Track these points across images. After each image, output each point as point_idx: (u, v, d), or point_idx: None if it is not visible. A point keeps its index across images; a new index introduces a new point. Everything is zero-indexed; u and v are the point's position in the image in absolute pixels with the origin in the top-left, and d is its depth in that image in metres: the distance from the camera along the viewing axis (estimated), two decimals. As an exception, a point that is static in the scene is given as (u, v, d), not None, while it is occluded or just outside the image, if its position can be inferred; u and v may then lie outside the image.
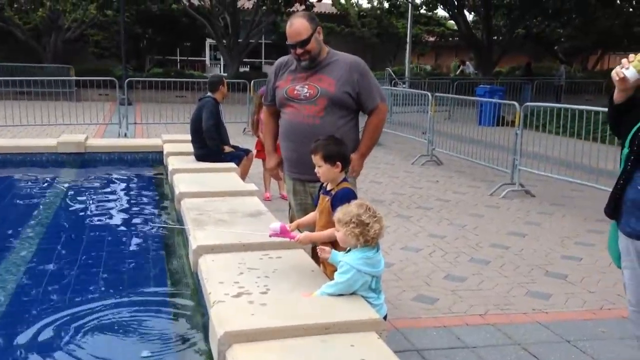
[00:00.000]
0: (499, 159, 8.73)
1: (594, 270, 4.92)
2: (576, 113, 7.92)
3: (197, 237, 3.51)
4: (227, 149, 6.52)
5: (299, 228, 3.22)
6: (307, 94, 3.44)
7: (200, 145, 6.43)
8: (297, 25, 3.43)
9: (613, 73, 2.46)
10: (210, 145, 6.34)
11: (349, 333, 2.42)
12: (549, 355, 3.44)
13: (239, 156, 6.58)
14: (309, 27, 3.42)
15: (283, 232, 3.01)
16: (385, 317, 2.77)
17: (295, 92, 3.47)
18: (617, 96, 2.53)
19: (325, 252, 2.80)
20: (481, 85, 17.40)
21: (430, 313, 3.97)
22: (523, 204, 7.28)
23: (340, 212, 2.69)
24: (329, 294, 2.68)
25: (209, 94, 6.55)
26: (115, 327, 3.16)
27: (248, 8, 22.87)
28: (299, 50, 3.43)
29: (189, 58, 30.17)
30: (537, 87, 20.81)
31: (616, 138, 2.80)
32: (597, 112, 7.58)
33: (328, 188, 3.13)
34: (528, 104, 8.62)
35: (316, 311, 2.52)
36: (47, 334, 3.06)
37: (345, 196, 2.99)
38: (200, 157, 6.42)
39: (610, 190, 2.67)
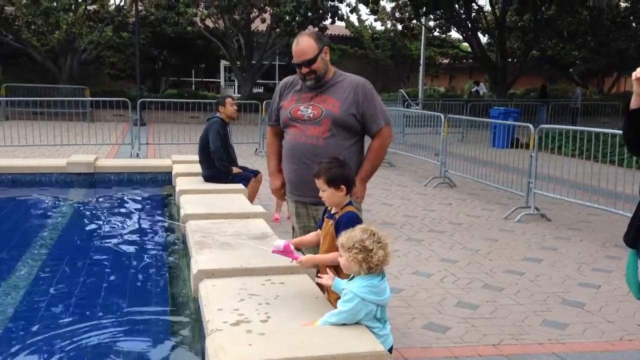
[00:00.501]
0: (514, 181, 8.56)
1: (613, 299, 4.73)
2: (592, 135, 7.75)
3: (198, 261, 3.40)
4: (235, 170, 6.45)
5: (300, 248, 3.10)
6: (311, 115, 3.35)
7: (208, 166, 6.37)
8: (304, 44, 3.35)
9: (633, 74, 2.31)
10: (219, 166, 6.28)
11: (351, 366, 2.28)
12: (566, 389, 3.27)
13: (247, 177, 6.50)
14: (316, 46, 3.34)
15: (286, 251, 2.90)
16: (391, 349, 2.63)
17: (300, 112, 3.38)
18: (635, 101, 2.38)
19: (327, 279, 2.68)
20: (495, 107, 17.26)
21: (441, 342, 3.80)
22: (538, 228, 7.10)
23: (344, 237, 2.57)
24: (331, 323, 2.54)
25: (216, 114, 6.51)
26: (113, 352, 3.05)
27: (262, 30, 23.03)
28: (305, 70, 3.35)
29: (204, 79, 30.42)
30: (552, 110, 20.64)
31: (635, 160, 2.66)
32: (613, 135, 7.41)
33: (332, 212, 3.02)
34: (543, 126, 8.47)
35: (317, 342, 2.39)
36: (43, 354, 2.96)
37: (350, 220, 2.87)
38: (208, 178, 6.35)
39: (629, 215, 2.52)
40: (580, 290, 4.93)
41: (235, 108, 6.63)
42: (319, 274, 3.02)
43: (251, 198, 6.23)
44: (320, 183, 2.96)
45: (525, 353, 3.68)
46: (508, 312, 4.37)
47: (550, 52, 27.24)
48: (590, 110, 22.80)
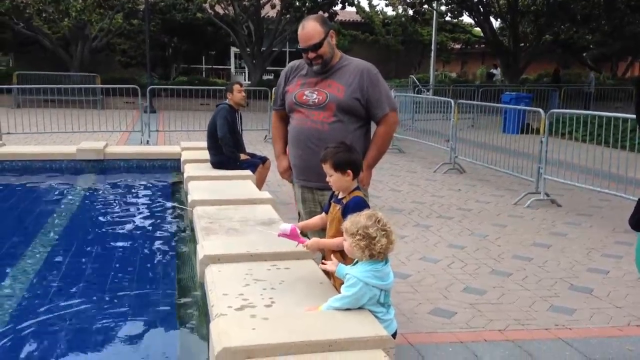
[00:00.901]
0: (524, 167, 8.50)
1: (622, 284, 4.70)
2: (604, 120, 7.67)
3: (204, 247, 3.42)
4: (242, 156, 6.46)
5: (305, 231, 3.10)
6: (316, 100, 3.33)
7: (216, 152, 6.38)
8: (309, 28, 3.33)
9: None
10: (226, 152, 6.29)
11: (354, 350, 2.29)
12: (572, 374, 3.26)
13: (254, 164, 6.50)
14: (322, 30, 3.32)
15: (292, 235, 2.91)
16: (395, 334, 2.63)
17: (305, 97, 3.36)
18: None
19: (331, 265, 2.68)
20: (507, 92, 17.11)
21: (447, 328, 3.81)
22: (548, 213, 7.06)
23: (349, 222, 2.57)
24: (335, 308, 2.55)
25: (225, 100, 6.51)
26: (121, 336, 3.09)
27: (272, 16, 22.94)
28: (311, 54, 3.33)
29: (214, 66, 30.39)
30: (565, 95, 20.43)
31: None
32: (625, 120, 7.33)
33: (339, 196, 3.01)
34: (554, 110, 8.39)
35: (320, 327, 2.40)
36: (52, 337, 3.00)
37: (357, 205, 2.87)
38: (216, 165, 6.36)
39: (638, 200, 2.50)
40: (588, 275, 4.91)
41: (244, 95, 6.61)
42: (324, 260, 3.03)
43: (259, 184, 6.24)
44: (327, 168, 2.95)
45: (532, 338, 3.68)
46: (515, 297, 4.37)
47: (564, 36, 26.87)
48: (603, 95, 22.56)
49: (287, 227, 2.93)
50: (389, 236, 2.51)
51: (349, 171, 2.93)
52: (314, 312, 2.58)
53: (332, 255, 3.04)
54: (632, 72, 33.25)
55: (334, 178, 2.95)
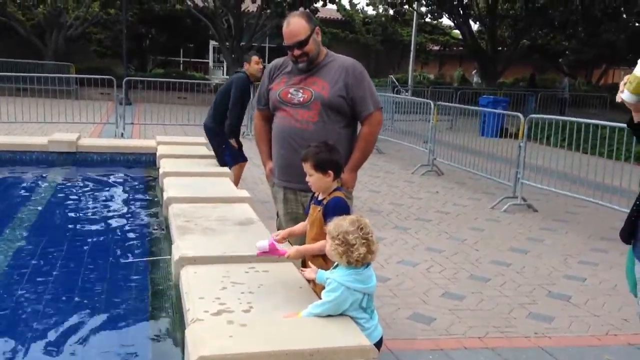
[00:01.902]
0: (501, 171, 8.53)
1: (599, 292, 4.71)
2: (582, 127, 7.71)
3: (179, 247, 3.30)
4: (233, 142, 6.37)
5: (288, 239, 3.01)
6: (302, 99, 3.24)
7: (214, 119, 6.32)
8: (295, 25, 3.23)
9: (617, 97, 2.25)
10: (230, 123, 6.20)
11: (335, 361, 2.21)
12: (552, 384, 3.23)
13: (236, 158, 6.39)
14: (307, 27, 3.23)
15: (272, 251, 2.80)
16: (380, 341, 2.56)
17: (289, 95, 3.27)
18: (636, 117, 2.31)
19: (310, 272, 2.60)
20: (484, 96, 17.22)
21: (427, 334, 3.76)
22: (525, 218, 7.08)
23: (332, 224, 2.48)
24: (316, 314, 2.46)
25: (243, 68, 6.38)
26: (90, 339, 2.95)
27: (252, 11, 22.74)
28: (297, 52, 3.24)
29: (192, 60, 30.07)
30: (541, 100, 20.65)
31: (622, 152, 2.58)
32: (604, 127, 7.39)
33: (319, 197, 2.93)
34: (532, 115, 8.42)
35: (300, 335, 2.31)
36: (17, 337, 2.86)
37: (337, 205, 2.79)
38: (207, 130, 6.38)
39: (616, 208, 2.46)
40: (566, 282, 4.91)
41: (261, 67, 6.39)
42: (303, 267, 2.95)
43: (236, 182, 6.14)
44: (307, 167, 2.86)
45: (511, 346, 3.65)
46: (494, 303, 4.34)
47: (541, 41, 27.23)
48: (578, 101, 22.86)
49: (264, 243, 2.81)
50: (369, 245, 2.42)
51: (330, 172, 2.85)
52: (294, 319, 2.49)
53: (309, 262, 2.96)
54: (605, 79, 33.81)
55: (314, 178, 2.87)
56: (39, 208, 5.28)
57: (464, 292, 4.53)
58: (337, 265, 2.51)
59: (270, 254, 2.81)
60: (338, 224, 2.46)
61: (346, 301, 2.43)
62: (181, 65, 29.42)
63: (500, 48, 25.67)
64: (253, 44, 22.59)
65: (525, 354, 3.55)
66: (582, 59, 30.40)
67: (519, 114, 8.31)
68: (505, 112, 12.18)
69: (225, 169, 6.03)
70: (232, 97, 6.18)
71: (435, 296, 4.42)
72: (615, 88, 2.04)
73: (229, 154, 6.27)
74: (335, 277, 2.43)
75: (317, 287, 2.88)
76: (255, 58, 6.45)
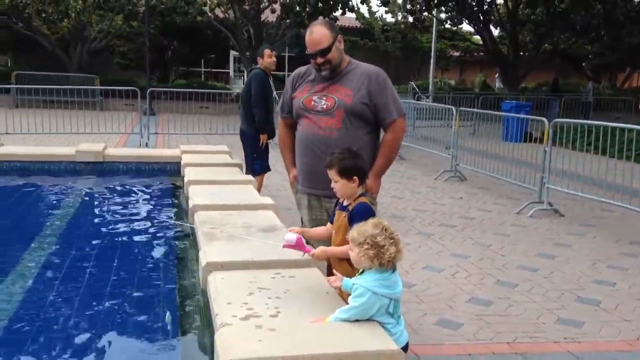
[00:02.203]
0: (526, 176, 8.45)
1: (629, 297, 4.63)
2: (609, 130, 7.61)
3: (207, 253, 3.33)
4: (263, 138, 6.46)
5: (309, 239, 3.03)
6: (325, 106, 3.26)
7: (246, 121, 6.50)
8: (318, 33, 3.26)
9: None
10: (258, 116, 6.33)
11: (364, 365, 2.20)
12: (583, 389, 3.18)
13: (264, 167, 6.48)
14: (330, 35, 3.26)
15: (299, 245, 2.83)
16: (406, 346, 2.55)
17: (313, 103, 3.29)
18: None
19: (335, 280, 2.61)
20: (507, 101, 17.08)
21: (454, 339, 3.73)
22: (552, 223, 6.99)
23: (355, 231, 2.48)
24: (343, 319, 2.46)
25: (257, 65, 6.53)
26: (120, 344, 2.99)
27: (272, 21, 22.89)
28: (320, 60, 3.26)
29: (213, 70, 30.33)
30: (564, 104, 20.41)
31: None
32: (630, 130, 7.28)
33: (345, 204, 2.93)
34: (557, 120, 8.33)
35: (328, 340, 2.31)
36: (50, 342, 2.91)
37: (363, 211, 2.80)
38: (242, 135, 6.60)
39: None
40: (595, 287, 4.83)
41: (274, 60, 6.61)
42: (329, 274, 2.95)
43: (258, 188, 6.20)
44: (332, 174, 2.88)
45: (541, 352, 3.60)
46: (522, 309, 4.29)
47: (563, 46, 26.94)
48: (602, 105, 22.57)
49: (292, 237, 2.85)
50: (397, 244, 2.44)
51: (355, 178, 2.86)
52: (321, 324, 2.49)
53: (335, 271, 2.96)
54: (630, 82, 33.31)
55: (339, 185, 2.88)
56: (68, 216, 5.37)
57: (491, 298, 4.48)
58: (362, 272, 2.51)
59: (296, 248, 2.83)
60: (361, 230, 2.47)
61: (373, 306, 2.42)
62: (202, 76, 29.71)
63: (521, 53, 25.46)
64: (273, 54, 22.72)
65: (554, 359, 3.50)
66: (605, 63, 30.03)
67: (544, 119, 8.23)
68: (528, 116, 12.06)
69: (249, 177, 6.07)
70: (253, 92, 6.31)
71: (461, 302, 4.39)
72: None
73: (258, 163, 6.35)
74: (362, 283, 2.43)
75: (343, 293, 2.88)
76: (267, 51, 6.62)
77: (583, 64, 31.46)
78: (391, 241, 2.41)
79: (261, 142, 6.51)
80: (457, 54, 33.14)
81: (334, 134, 3.24)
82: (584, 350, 3.64)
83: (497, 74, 29.80)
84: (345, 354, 2.22)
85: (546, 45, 26.04)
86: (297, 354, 2.20)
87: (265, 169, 6.67)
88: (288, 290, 2.90)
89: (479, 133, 12.49)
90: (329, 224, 3.08)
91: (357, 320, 2.45)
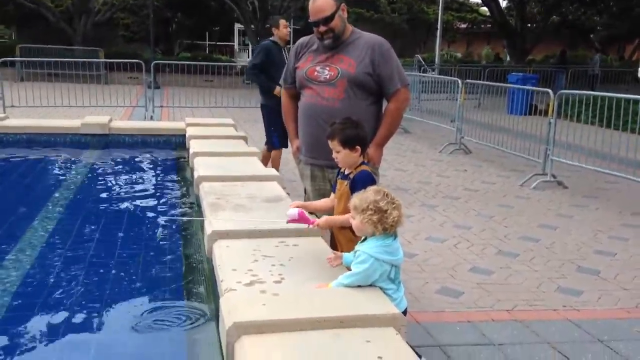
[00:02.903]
0: (530, 148, 8.45)
1: (629, 266, 4.69)
2: (614, 102, 7.59)
3: (212, 222, 3.39)
4: (278, 90, 6.50)
5: (313, 212, 3.08)
6: (328, 76, 3.27)
7: (262, 92, 6.57)
8: (320, 1, 3.26)
9: None
10: (252, 80, 6.44)
11: (365, 328, 2.26)
12: (580, 355, 3.26)
13: (283, 141, 6.46)
14: (333, 3, 3.26)
15: (302, 219, 2.87)
16: (405, 311, 2.61)
17: (316, 73, 3.31)
18: None
19: (335, 259, 2.68)
20: (513, 73, 16.96)
21: (455, 307, 3.80)
22: (555, 195, 7.02)
23: (357, 199, 2.52)
24: (345, 285, 2.52)
25: (271, 37, 6.58)
26: (126, 311, 3.06)
27: (277, -8, 22.69)
28: (322, 28, 3.27)
29: (218, 43, 30.18)
30: (571, 76, 20.25)
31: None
32: (636, 101, 7.25)
33: (346, 172, 2.97)
34: (562, 91, 8.30)
35: (331, 304, 2.37)
36: (57, 311, 2.99)
37: (365, 179, 2.84)
38: (261, 107, 6.70)
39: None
40: (596, 257, 4.89)
41: (289, 30, 6.63)
42: (333, 240, 3.01)
43: (276, 166, 6.30)
44: (334, 144, 2.90)
45: (539, 319, 3.67)
46: (522, 278, 4.35)
47: (571, 17, 26.61)
48: (609, 77, 22.36)
49: (293, 212, 2.88)
50: (398, 208, 2.48)
51: (357, 147, 2.89)
52: (324, 289, 2.55)
53: (337, 235, 3.02)
54: (638, 54, 32.94)
55: (341, 155, 2.91)
56: (74, 187, 5.44)
57: (492, 267, 4.55)
58: (365, 239, 2.56)
59: (300, 222, 2.88)
60: (363, 197, 2.51)
61: (375, 272, 2.48)
62: (207, 49, 29.56)
63: (529, 24, 25.18)
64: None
65: (553, 326, 3.57)
66: (613, 34, 29.69)
67: (549, 90, 8.20)
68: (533, 88, 11.99)
69: (254, 149, 6.11)
70: (253, 61, 6.41)
71: (463, 271, 4.45)
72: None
73: (276, 136, 6.37)
74: (365, 249, 2.48)
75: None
76: (282, 22, 6.60)
77: (591, 36, 31.10)
78: (393, 205, 2.46)
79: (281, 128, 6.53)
80: (464, 26, 32.83)
81: (336, 104, 3.26)
82: (582, 318, 3.71)
83: (504, 47, 29.50)
84: (347, 317, 2.28)
85: (554, 16, 25.73)
86: (301, 317, 2.27)
87: (284, 144, 6.65)
88: (292, 257, 2.96)
89: (484, 106, 12.45)
90: (332, 195, 3.12)
91: (359, 286, 2.51)
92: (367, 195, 2.50)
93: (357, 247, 2.56)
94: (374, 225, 2.45)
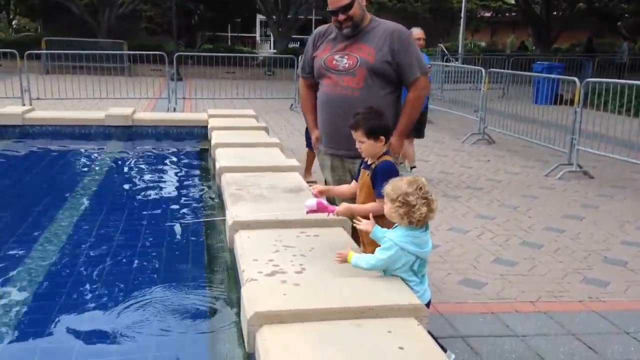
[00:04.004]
0: (556, 138, 8.32)
1: (657, 258, 4.59)
2: (641, 90, 7.42)
3: (233, 213, 3.40)
4: None
5: (331, 196, 3.06)
6: (346, 65, 3.25)
7: None
8: (339, -11, 3.23)
9: None
10: None
11: (386, 318, 2.26)
12: (606, 347, 3.20)
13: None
14: (352, -9, 3.22)
15: (320, 209, 2.86)
16: (429, 303, 2.59)
17: (334, 62, 3.28)
18: None
19: (367, 224, 2.60)
20: (538, 62, 16.69)
21: (477, 298, 3.76)
22: (581, 185, 6.91)
23: (390, 186, 2.50)
24: (365, 268, 2.50)
25: None
26: (149, 302, 3.09)
27: (298, -18, 22.61)
28: (341, 17, 3.24)
29: (240, 34, 30.25)
30: (598, 65, 19.85)
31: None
32: (665, 89, 7.08)
33: (369, 162, 2.95)
34: (589, 79, 8.13)
35: (352, 293, 2.36)
36: (83, 299, 3.03)
37: (386, 169, 2.82)
38: None
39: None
40: (622, 248, 4.80)
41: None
42: (355, 221, 2.99)
43: (308, 166, 6.37)
44: (358, 135, 2.87)
45: (564, 310, 3.62)
46: (547, 269, 4.29)
47: (598, 4, 26.05)
48: (638, 65, 21.87)
49: (312, 202, 2.87)
50: (429, 204, 2.43)
51: (382, 137, 2.86)
52: (345, 280, 2.53)
53: (370, 216, 3.00)
54: (668, 42, 32.17)
55: (365, 145, 2.88)
56: (99, 178, 5.51)
57: (516, 258, 4.49)
58: (396, 226, 2.54)
59: (319, 212, 2.86)
60: (396, 185, 2.47)
61: (398, 261, 2.46)
62: (229, 40, 29.64)
63: (555, 12, 24.72)
64: (299, 17, 22.53)
65: (578, 317, 3.52)
66: (642, 22, 29.00)
67: (575, 79, 8.04)
68: (559, 76, 11.78)
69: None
70: None
71: (486, 262, 4.40)
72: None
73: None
74: (392, 237, 2.46)
75: (367, 249, 2.93)
76: (416, 32, 6.53)
77: (619, 23, 30.41)
78: (423, 201, 2.41)
79: None
80: (488, 14, 32.35)
81: (355, 93, 3.24)
82: (608, 310, 3.64)
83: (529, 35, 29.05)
84: (368, 307, 2.28)
85: (580, 4, 25.23)
86: (321, 307, 2.27)
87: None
88: (313, 248, 2.96)
89: (508, 95, 12.28)
90: (353, 182, 3.10)
91: (381, 275, 2.50)
92: (400, 184, 2.46)
93: (385, 233, 2.54)
94: (400, 217, 2.43)
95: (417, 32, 6.48)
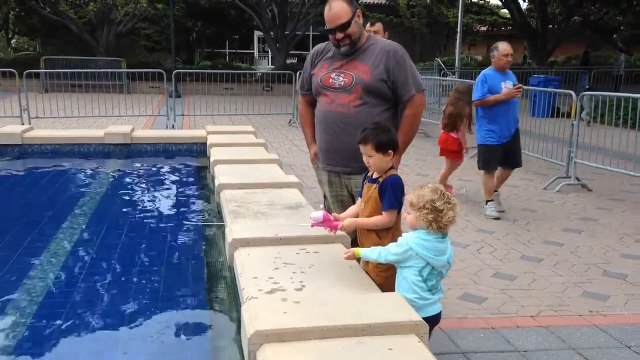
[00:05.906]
0: (554, 151, 8.34)
1: (657, 271, 4.58)
2: (638, 103, 7.46)
3: (233, 230, 3.40)
4: None
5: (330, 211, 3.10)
6: (343, 83, 3.28)
7: None
8: (337, 8, 3.27)
9: None
10: None
11: (387, 336, 2.26)
12: (607, 362, 3.19)
13: None
14: (349, 10, 3.26)
15: (326, 222, 2.88)
16: (437, 318, 2.64)
17: (331, 80, 3.31)
18: None
19: (349, 255, 2.76)
20: (535, 76, 16.78)
21: (478, 313, 3.76)
22: (579, 199, 6.92)
23: (414, 196, 2.58)
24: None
25: None
26: (149, 320, 3.09)
27: (296, 0, 22.79)
28: (340, 35, 3.27)
29: (238, 51, 30.38)
30: (595, 78, 19.95)
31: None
32: (661, 102, 7.12)
33: (375, 177, 2.97)
34: (585, 93, 8.18)
35: (353, 311, 2.37)
36: (82, 319, 3.02)
37: (396, 183, 2.86)
38: None
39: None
40: (622, 261, 4.80)
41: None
42: (355, 245, 3.01)
43: None
44: (367, 149, 2.89)
45: (565, 325, 3.61)
46: (547, 283, 4.29)
47: (594, 17, 26.24)
48: (634, 78, 21.98)
49: (319, 215, 2.89)
50: (454, 209, 2.54)
51: (390, 152, 2.89)
52: (344, 298, 2.55)
53: (362, 240, 3.01)
54: (664, 54, 32.35)
55: (374, 159, 2.89)
56: (99, 197, 5.51)
57: (516, 273, 4.49)
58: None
59: (324, 225, 2.88)
60: (420, 195, 2.56)
61: (408, 260, 2.56)
62: (227, 57, 29.78)
63: (551, 26, 24.89)
64: (297, 33, 22.67)
65: (579, 332, 3.51)
66: (638, 35, 29.16)
67: (571, 92, 8.09)
68: (556, 90, 11.85)
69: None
70: None
71: (486, 277, 4.40)
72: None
73: None
74: (408, 237, 2.58)
75: (367, 267, 2.93)
76: (503, 47, 5.93)
77: (615, 36, 30.60)
78: (449, 206, 2.52)
79: None
80: (484, 29, 32.57)
81: (352, 111, 3.26)
82: (609, 324, 3.64)
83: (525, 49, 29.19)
84: (369, 324, 2.28)
85: (576, 17, 25.41)
86: (323, 324, 2.27)
87: None
88: (313, 265, 2.97)
89: (506, 109, 12.30)
90: (358, 200, 3.11)
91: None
92: (424, 193, 2.55)
93: (404, 234, 2.66)
94: (429, 223, 2.51)
95: (504, 47, 5.97)
